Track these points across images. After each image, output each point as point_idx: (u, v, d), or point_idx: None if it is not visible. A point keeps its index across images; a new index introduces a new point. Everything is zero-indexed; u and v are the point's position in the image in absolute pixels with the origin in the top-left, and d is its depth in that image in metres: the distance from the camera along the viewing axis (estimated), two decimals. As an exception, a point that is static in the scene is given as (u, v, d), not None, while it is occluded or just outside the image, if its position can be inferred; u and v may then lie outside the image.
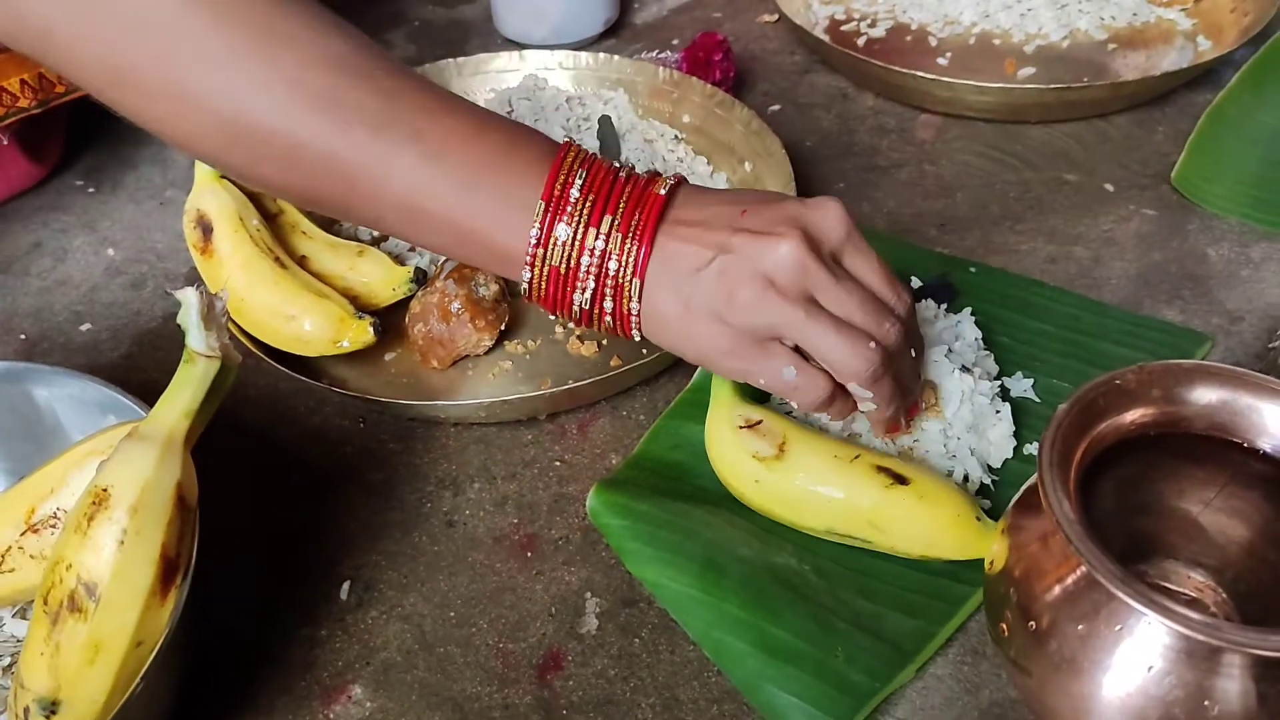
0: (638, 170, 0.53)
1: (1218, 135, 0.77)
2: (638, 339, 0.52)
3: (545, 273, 0.50)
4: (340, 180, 0.48)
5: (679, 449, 0.60)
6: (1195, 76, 0.82)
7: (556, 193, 0.49)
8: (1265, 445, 0.44)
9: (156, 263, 0.76)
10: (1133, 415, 0.44)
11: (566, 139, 0.52)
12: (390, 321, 0.66)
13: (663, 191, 0.50)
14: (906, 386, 0.53)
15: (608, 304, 0.51)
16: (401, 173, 0.48)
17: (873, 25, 0.90)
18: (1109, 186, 0.75)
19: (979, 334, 0.62)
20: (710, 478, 0.57)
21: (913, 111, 0.83)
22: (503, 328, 0.65)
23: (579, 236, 0.49)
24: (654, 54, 0.86)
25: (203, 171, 0.65)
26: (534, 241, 0.49)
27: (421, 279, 0.66)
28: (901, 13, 0.91)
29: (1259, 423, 0.44)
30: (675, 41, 0.92)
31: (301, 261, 0.67)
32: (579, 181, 0.49)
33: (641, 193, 0.50)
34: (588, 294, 0.50)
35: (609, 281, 0.50)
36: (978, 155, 0.78)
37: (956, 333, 0.62)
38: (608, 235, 0.49)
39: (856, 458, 0.54)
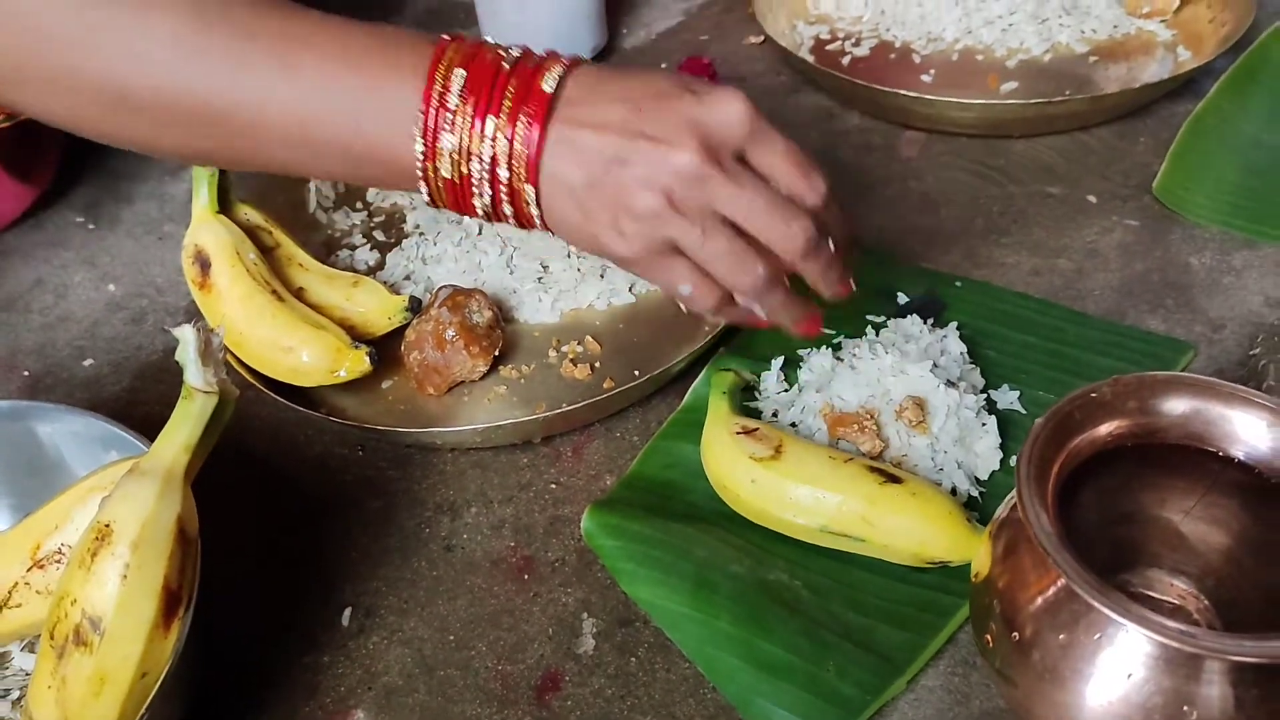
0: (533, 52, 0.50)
1: (1198, 145, 0.79)
2: (552, 236, 0.52)
3: (441, 185, 0.50)
4: (219, 127, 0.49)
5: (672, 468, 0.61)
6: (1175, 87, 0.83)
7: (435, 99, 0.48)
8: (1239, 453, 0.45)
9: (156, 297, 0.77)
10: (1109, 427, 0.45)
11: (445, 36, 0.50)
12: (386, 350, 0.67)
13: (549, 86, 0.48)
14: (827, 272, 0.53)
15: (506, 209, 0.50)
16: (277, 105, 0.48)
17: (857, 44, 0.92)
18: (1092, 198, 0.77)
19: (964, 348, 0.63)
20: (703, 495, 0.59)
21: (898, 128, 0.84)
22: (496, 353, 0.66)
23: (464, 143, 0.48)
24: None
25: (200, 208, 0.67)
26: (421, 156, 0.49)
27: (416, 307, 0.68)
28: (885, 30, 0.92)
29: (1231, 431, 0.45)
30: (663, 65, 0.94)
31: (298, 293, 0.68)
32: (457, 84, 0.48)
33: (527, 87, 0.48)
34: (486, 199, 0.50)
35: (503, 187, 0.49)
36: (962, 170, 0.80)
37: (942, 348, 0.63)
38: (493, 138, 0.48)
39: (850, 460, 0.55)
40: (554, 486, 0.61)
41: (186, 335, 0.47)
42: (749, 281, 0.51)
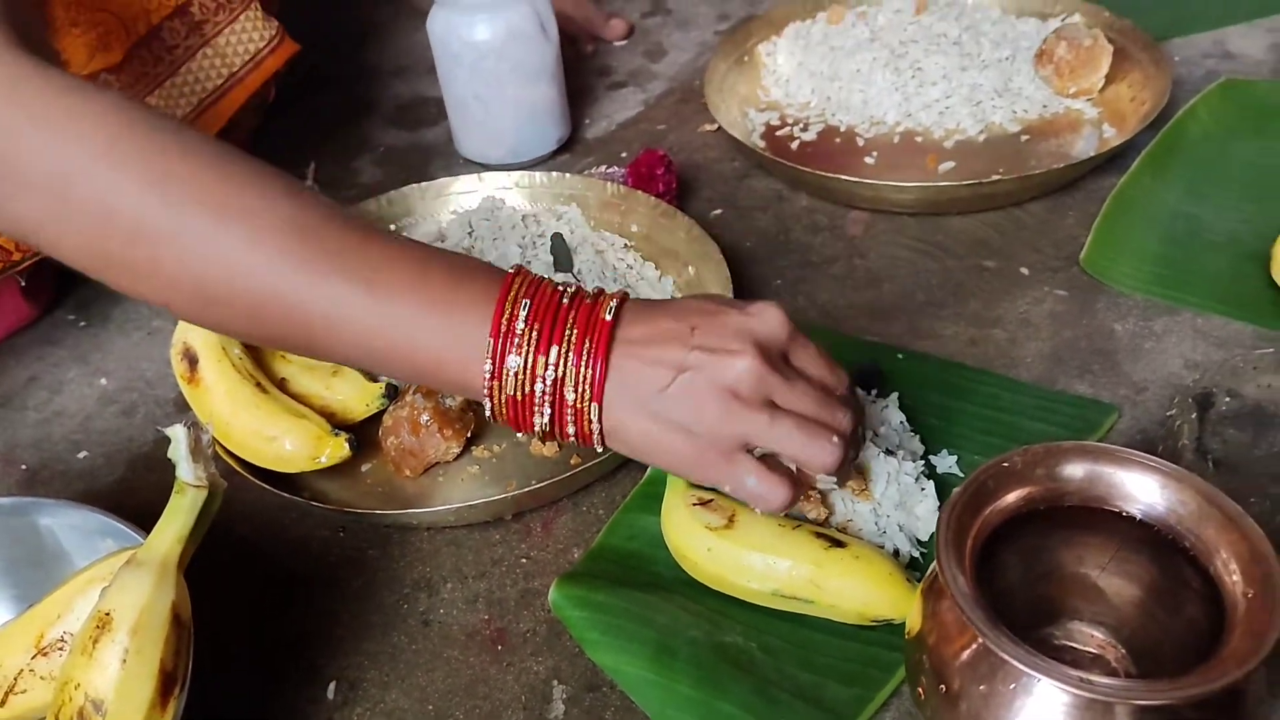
0: (585, 287, 0.56)
1: (1122, 217, 0.84)
2: (601, 451, 0.56)
3: (503, 400, 0.54)
4: (301, 328, 0.54)
5: (635, 539, 0.65)
6: (1101, 163, 0.88)
7: (503, 326, 0.53)
8: (1138, 512, 0.49)
9: (146, 390, 0.81)
10: (1021, 494, 0.50)
11: (514, 266, 0.56)
12: (365, 435, 0.71)
13: (608, 316, 0.54)
14: (857, 452, 0.59)
15: (569, 427, 0.55)
16: (355, 320, 0.53)
17: (805, 129, 0.97)
18: (1024, 270, 0.82)
19: (904, 417, 0.68)
20: (665, 564, 0.63)
21: (843, 209, 0.90)
22: (469, 435, 0.71)
23: (530, 365, 0.53)
24: (602, 169, 0.92)
25: (187, 307, 0.71)
26: (488, 375, 0.53)
27: (393, 394, 0.72)
28: (831, 116, 0.98)
29: (1129, 493, 0.49)
30: (624, 154, 0.99)
31: (281, 384, 0.72)
32: (524, 312, 0.53)
33: (589, 317, 0.54)
34: (546, 418, 0.54)
35: (566, 407, 0.54)
36: (903, 247, 0.85)
37: (882, 418, 0.67)
38: (558, 364, 0.53)
39: (798, 527, 0.59)
40: (525, 561, 0.65)
41: (178, 434, 0.51)
42: (828, 456, 0.54)
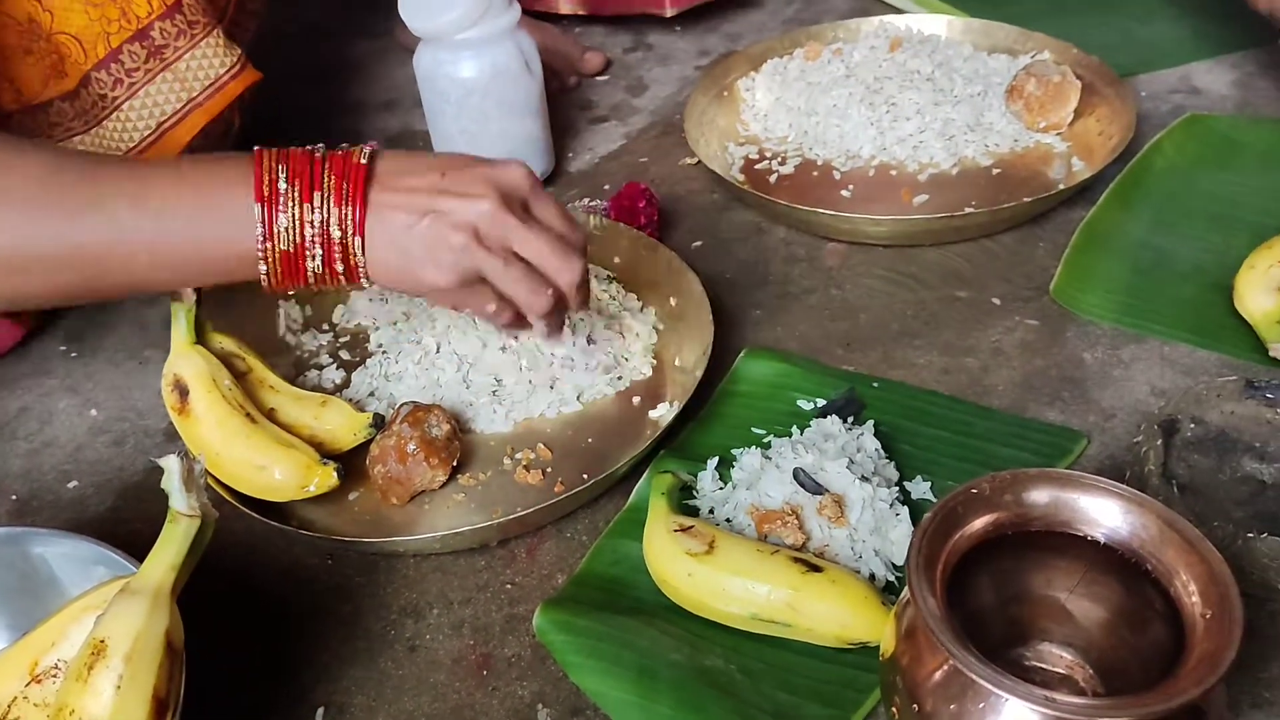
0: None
1: (1090, 248, 0.87)
2: (367, 285, 0.64)
3: (277, 258, 0.61)
4: (92, 267, 0.60)
5: (618, 564, 0.67)
6: (1070, 195, 0.91)
7: (265, 191, 0.60)
8: (1102, 536, 0.51)
9: (137, 420, 0.82)
10: (989, 519, 0.52)
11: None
12: (353, 464, 0.73)
13: (363, 160, 0.62)
14: (585, 297, 0.70)
15: (338, 265, 0.62)
16: (136, 237, 0.60)
17: (783, 163, 1.00)
18: (996, 300, 0.84)
19: (878, 444, 0.70)
20: (646, 589, 0.64)
21: (820, 241, 0.92)
22: (455, 463, 0.72)
23: (297, 217, 0.61)
24: (585, 201, 0.94)
25: (178, 339, 0.72)
26: (261, 238, 0.61)
27: (380, 424, 0.73)
28: (808, 150, 1.01)
29: (1089, 516, 0.51)
30: (606, 187, 1.01)
31: (270, 414, 0.74)
32: (283, 172, 0.61)
33: (344, 164, 0.62)
34: (318, 260, 0.62)
35: (335, 246, 0.62)
36: (878, 278, 0.87)
37: (858, 445, 0.69)
38: (323, 207, 0.61)
39: (776, 552, 0.61)
40: (510, 586, 0.67)
41: (171, 465, 0.53)
42: (541, 303, 0.66)
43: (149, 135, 0.86)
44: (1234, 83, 1.07)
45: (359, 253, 0.62)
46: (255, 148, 0.62)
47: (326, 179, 0.61)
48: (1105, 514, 0.51)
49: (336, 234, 0.61)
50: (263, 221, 0.60)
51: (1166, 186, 0.92)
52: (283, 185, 0.61)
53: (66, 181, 0.59)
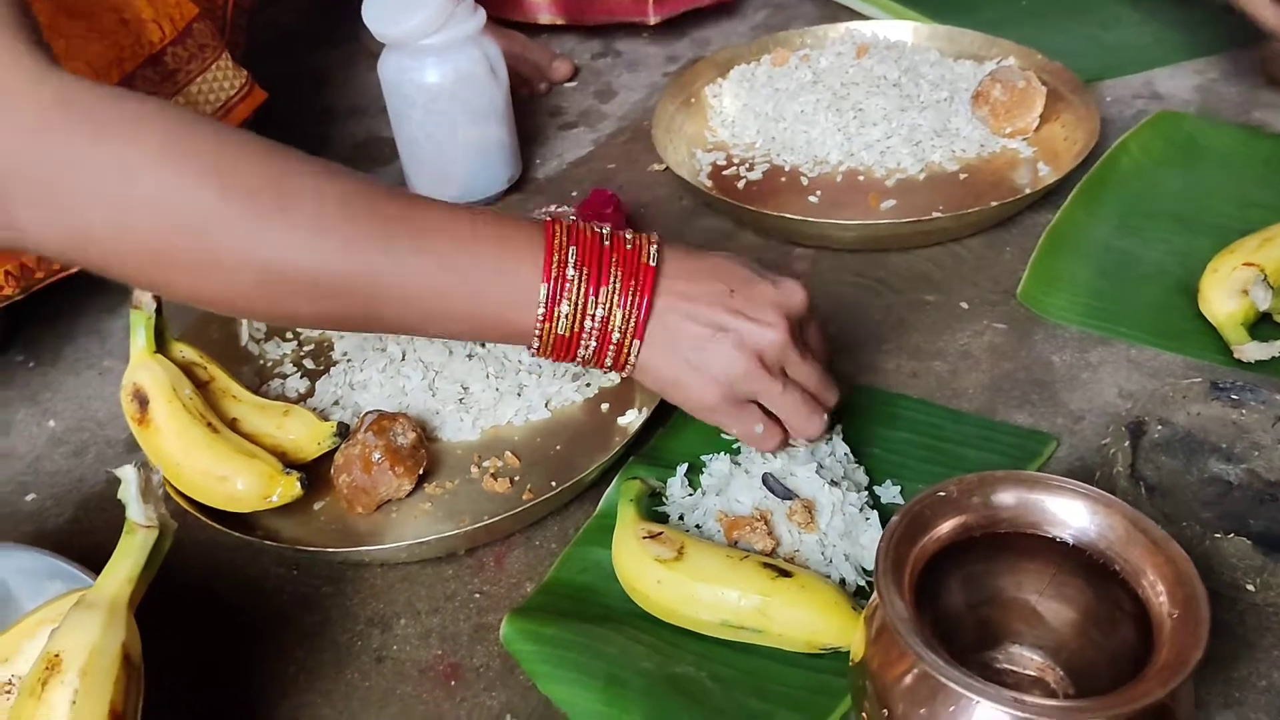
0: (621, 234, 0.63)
1: (1056, 252, 0.87)
2: (621, 377, 0.67)
3: (552, 339, 0.61)
4: (363, 301, 0.58)
5: (587, 572, 0.66)
6: (1036, 199, 0.91)
7: (554, 273, 0.60)
8: (1069, 537, 0.51)
9: (97, 430, 0.81)
10: (957, 521, 0.51)
11: (546, 217, 0.62)
12: (317, 473, 0.72)
13: (652, 261, 0.61)
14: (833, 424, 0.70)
15: (608, 360, 0.63)
16: (416, 283, 0.58)
17: (750, 169, 1.00)
18: (964, 304, 0.84)
19: (847, 449, 0.70)
20: (616, 597, 0.63)
21: (788, 246, 0.92)
22: (421, 472, 0.71)
23: (580, 307, 0.60)
24: (551, 208, 0.94)
25: (138, 349, 0.71)
26: (540, 318, 0.60)
27: (344, 432, 0.72)
28: (776, 156, 1.01)
29: (1056, 517, 0.51)
30: (574, 193, 1.01)
31: (233, 423, 0.72)
32: (571, 258, 0.60)
33: (634, 262, 0.61)
34: (590, 350, 0.62)
35: (610, 345, 0.62)
36: (846, 284, 0.87)
37: (829, 450, 0.69)
38: (607, 303, 0.61)
39: (745, 558, 0.61)
40: (478, 596, 0.66)
41: (128, 475, 0.52)
42: (817, 427, 0.65)
43: None
44: (1196, 88, 1.08)
45: (634, 355, 0.62)
46: (545, 218, 0.62)
47: (614, 274, 0.60)
48: (1072, 515, 0.51)
49: (616, 336, 0.61)
50: (546, 303, 0.60)
51: (1131, 187, 0.93)
52: (570, 271, 0.60)
53: (358, 212, 0.57)
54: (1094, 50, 1.14)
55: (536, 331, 0.61)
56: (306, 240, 0.56)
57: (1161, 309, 0.81)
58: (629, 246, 0.61)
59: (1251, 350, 0.75)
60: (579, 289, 0.60)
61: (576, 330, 0.61)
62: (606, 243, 0.61)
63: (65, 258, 0.58)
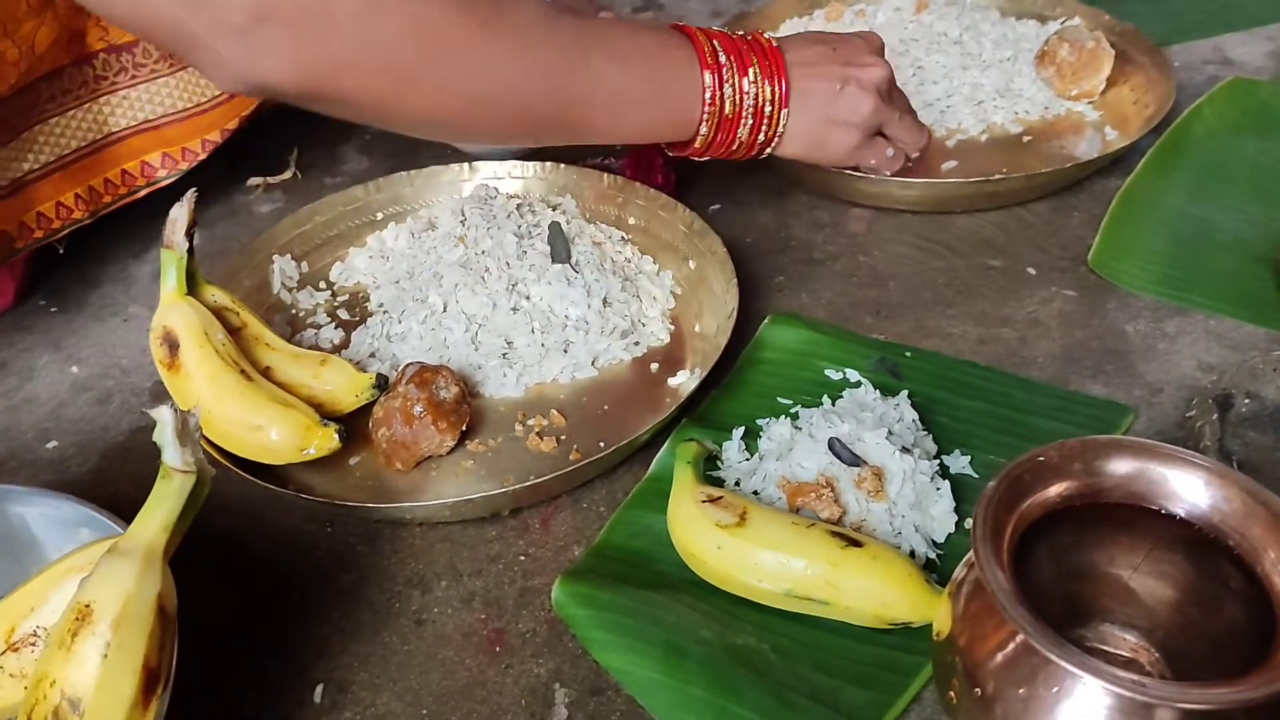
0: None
1: (1128, 218, 0.83)
2: (766, 155, 0.77)
3: (717, 122, 0.72)
4: (562, 104, 0.67)
5: (639, 537, 0.62)
6: (1105, 164, 0.87)
7: (711, 63, 0.70)
8: (1179, 510, 0.47)
9: (122, 378, 0.77)
10: (1057, 489, 0.48)
11: (683, 25, 0.73)
12: (354, 426, 0.68)
13: (776, 44, 0.74)
14: None
15: (761, 135, 0.74)
16: (602, 80, 0.68)
17: (805, 125, 0.95)
18: (1031, 270, 0.80)
19: (915, 416, 0.66)
20: (671, 563, 0.60)
21: (845, 206, 0.88)
22: (464, 428, 0.68)
23: (737, 85, 0.71)
24: (599, 160, 0.90)
25: (168, 290, 0.67)
26: (708, 100, 0.71)
27: (384, 385, 0.69)
28: (831, 112, 0.96)
29: (1171, 490, 0.47)
30: (619, 146, 0.97)
31: (266, 372, 0.69)
32: (720, 49, 0.71)
33: (763, 48, 0.73)
34: (748, 126, 0.73)
35: (764, 117, 0.73)
36: (907, 245, 0.83)
37: (897, 415, 0.65)
38: (756, 82, 0.72)
39: (812, 525, 0.57)
40: (523, 558, 0.62)
41: (164, 416, 0.48)
42: (920, 138, 0.84)
43: (136, 126, 0.85)
44: (1270, 54, 1.03)
45: (782, 123, 0.74)
46: (682, 25, 0.73)
47: (752, 59, 0.72)
48: (1185, 487, 0.47)
49: (769, 110, 0.73)
50: (711, 87, 0.70)
51: (1206, 154, 0.89)
52: (723, 58, 0.71)
53: (561, 28, 0.66)
54: (1161, 13, 1.09)
55: (705, 116, 0.71)
56: (511, 65, 0.64)
57: (1241, 279, 0.77)
58: (750, 39, 0.73)
59: (1341, 323, 0.71)
60: (733, 72, 0.71)
61: (738, 108, 0.71)
62: (736, 34, 0.73)
63: (304, 91, 0.61)
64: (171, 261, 0.68)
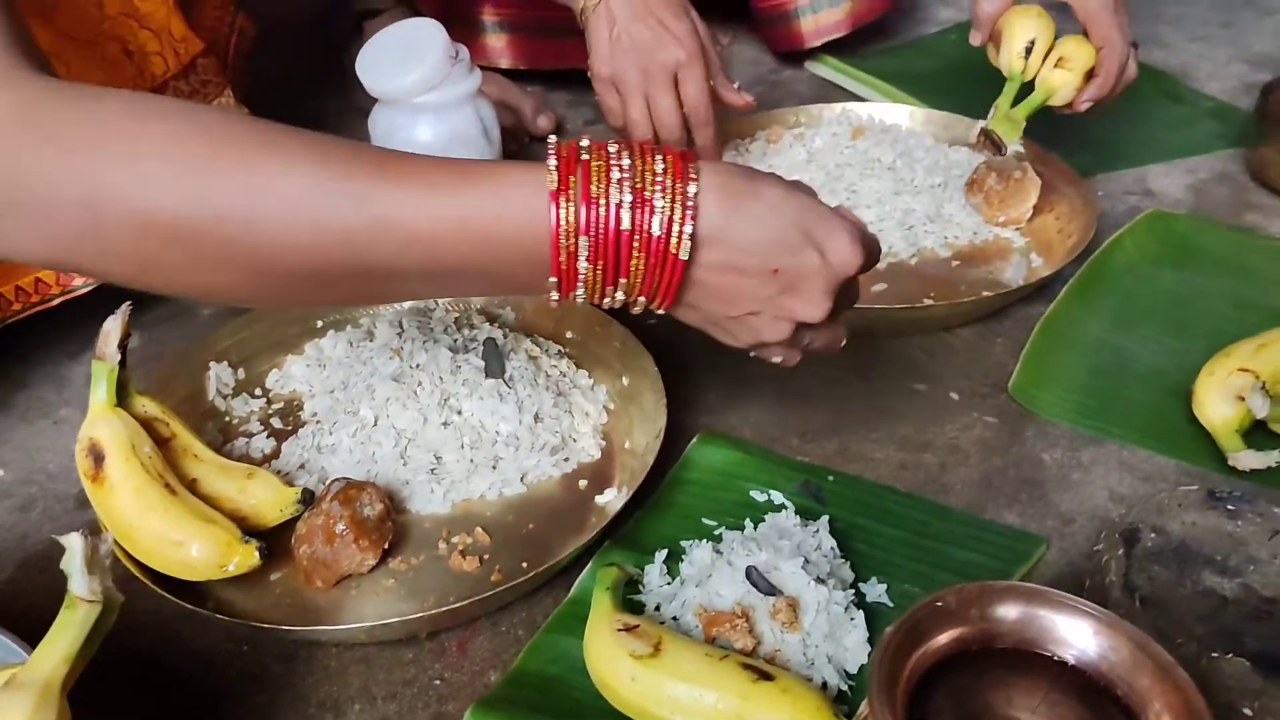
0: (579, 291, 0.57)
1: (1049, 346, 0.85)
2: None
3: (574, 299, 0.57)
4: (363, 260, 0.53)
5: (556, 663, 0.63)
6: (1030, 291, 0.90)
7: (562, 265, 0.54)
8: (1070, 657, 0.48)
9: (47, 484, 0.77)
10: (954, 634, 0.49)
11: (551, 147, 0.56)
12: (278, 541, 0.68)
13: (683, 255, 0.55)
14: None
15: (637, 308, 0.59)
16: (415, 222, 0.53)
17: (742, 244, 0.98)
18: (954, 395, 0.82)
19: (834, 543, 0.67)
20: (586, 691, 0.60)
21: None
22: (386, 546, 0.68)
23: (598, 293, 0.56)
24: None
25: (98, 401, 0.68)
26: (555, 300, 0.57)
27: (309, 500, 0.69)
28: (768, 232, 0.99)
29: (1062, 637, 0.49)
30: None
31: (193, 485, 0.69)
32: (584, 251, 0.54)
33: (660, 253, 0.55)
34: (618, 303, 0.58)
35: (635, 306, 0.59)
36: (836, 367, 0.85)
37: (815, 543, 0.66)
38: (629, 287, 0.56)
39: (725, 657, 0.57)
40: (438, 683, 0.62)
41: (74, 544, 0.48)
42: (834, 352, 0.66)
43: None
44: (1189, 187, 1.08)
45: (661, 309, 0.60)
46: (551, 186, 0.54)
47: (636, 263, 0.55)
48: (1075, 634, 0.48)
49: (638, 310, 0.59)
50: (559, 291, 0.56)
51: (1126, 284, 0.92)
52: (583, 265, 0.55)
53: (340, 175, 0.53)
54: (1088, 144, 1.13)
55: (554, 301, 0.57)
56: (286, 226, 0.52)
57: (1155, 411, 0.80)
58: (656, 231, 0.54)
59: (1247, 459, 0.74)
60: (595, 280, 0.55)
61: (596, 303, 0.58)
62: (625, 225, 0.54)
63: (52, 265, 0.55)
64: (102, 373, 0.68)
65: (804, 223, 0.58)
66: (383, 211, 0.52)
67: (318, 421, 0.78)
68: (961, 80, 1.12)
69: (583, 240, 0.54)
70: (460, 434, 0.75)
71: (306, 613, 0.66)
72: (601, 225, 0.54)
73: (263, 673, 0.63)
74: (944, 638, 0.49)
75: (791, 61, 1.32)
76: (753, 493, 0.73)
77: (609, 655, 0.58)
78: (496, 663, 0.63)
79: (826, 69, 1.28)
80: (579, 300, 0.57)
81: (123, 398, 0.69)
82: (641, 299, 0.58)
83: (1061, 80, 0.93)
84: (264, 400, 0.82)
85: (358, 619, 0.65)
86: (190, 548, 0.64)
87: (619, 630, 0.59)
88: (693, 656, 0.57)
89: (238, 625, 0.64)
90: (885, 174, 1.00)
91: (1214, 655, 0.58)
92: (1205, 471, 0.75)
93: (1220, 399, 0.76)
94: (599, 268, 0.55)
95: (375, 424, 0.75)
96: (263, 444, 0.78)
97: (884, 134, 1.06)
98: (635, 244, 0.55)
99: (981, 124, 0.94)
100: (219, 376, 0.82)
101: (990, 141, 0.93)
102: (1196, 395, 0.77)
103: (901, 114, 1.10)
